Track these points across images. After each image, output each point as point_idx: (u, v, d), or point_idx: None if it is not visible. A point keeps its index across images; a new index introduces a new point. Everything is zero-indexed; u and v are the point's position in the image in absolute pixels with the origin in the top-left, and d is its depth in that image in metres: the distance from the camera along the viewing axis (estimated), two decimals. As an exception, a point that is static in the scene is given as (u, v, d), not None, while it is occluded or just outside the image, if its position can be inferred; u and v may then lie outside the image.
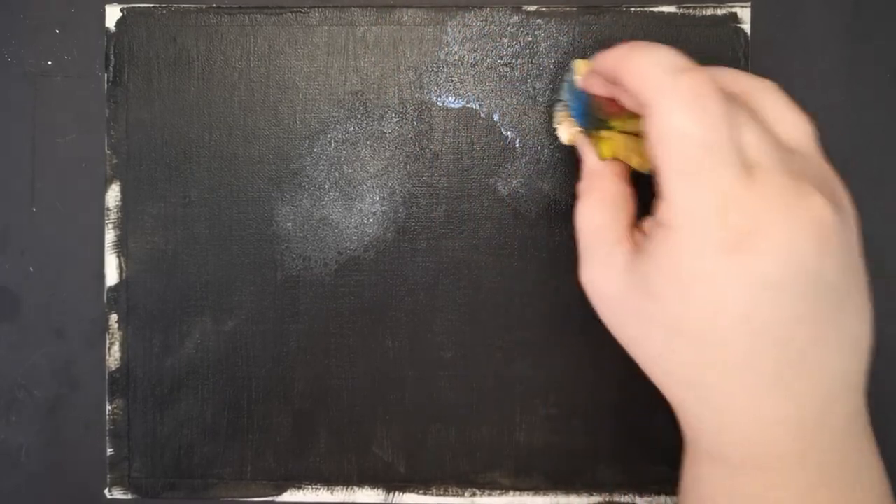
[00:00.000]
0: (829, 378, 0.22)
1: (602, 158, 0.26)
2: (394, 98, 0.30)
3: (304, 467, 0.31)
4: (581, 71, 0.27)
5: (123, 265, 0.31)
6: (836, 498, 0.22)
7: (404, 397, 0.31)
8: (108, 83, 0.30)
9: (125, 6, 0.30)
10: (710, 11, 0.30)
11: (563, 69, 0.30)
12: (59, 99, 0.31)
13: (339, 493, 0.31)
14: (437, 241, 0.30)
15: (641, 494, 0.30)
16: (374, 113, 0.30)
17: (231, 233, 0.30)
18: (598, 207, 0.25)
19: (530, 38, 0.30)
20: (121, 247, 0.31)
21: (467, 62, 0.30)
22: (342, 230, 0.30)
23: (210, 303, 0.30)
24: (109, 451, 0.31)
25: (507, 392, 0.30)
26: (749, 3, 0.30)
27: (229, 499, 0.31)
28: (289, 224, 0.30)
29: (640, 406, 0.30)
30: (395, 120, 0.30)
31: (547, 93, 0.30)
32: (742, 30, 0.30)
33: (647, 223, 0.25)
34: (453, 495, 0.31)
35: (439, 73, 0.30)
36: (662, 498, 0.30)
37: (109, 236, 0.31)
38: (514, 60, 0.30)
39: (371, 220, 0.30)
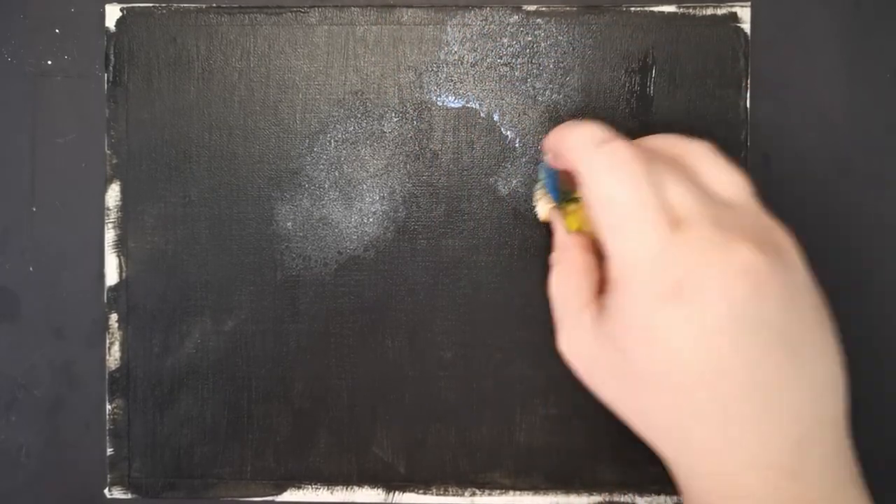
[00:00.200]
0: (798, 420, 0.23)
1: (569, 231, 0.27)
2: (394, 98, 0.30)
3: (304, 467, 0.31)
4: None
5: (123, 265, 0.31)
6: None
7: (404, 397, 0.31)
8: (108, 83, 0.30)
9: (125, 6, 0.30)
10: (710, 11, 0.30)
11: (563, 69, 0.30)
12: (59, 99, 0.31)
13: (339, 493, 0.31)
14: (436, 241, 0.30)
15: (641, 494, 0.30)
16: (374, 112, 0.30)
17: (231, 232, 0.30)
18: (565, 278, 0.27)
19: (530, 38, 0.30)
20: (121, 247, 0.31)
21: (467, 62, 0.30)
22: (342, 230, 0.30)
23: (210, 303, 0.30)
24: (109, 451, 0.31)
25: (506, 392, 0.30)
26: (749, 3, 0.30)
27: (229, 498, 0.31)
28: (289, 224, 0.30)
29: (640, 406, 0.30)
30: (395, 119, 0.30)
31: (547, 92, 0.30)
32: (742, 30, 0.30)
33: (608, 285, 0.26)
34: (453, 495, 0.31)
35: (439, 73, 0.30)
36: (662, 498, 0.30)
37: (109, 236, 0.31)
38: (513, 60, 0.30)
39: (371, 219, 0.30)
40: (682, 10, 0.30)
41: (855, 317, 0.30)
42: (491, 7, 0.30)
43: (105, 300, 0.31)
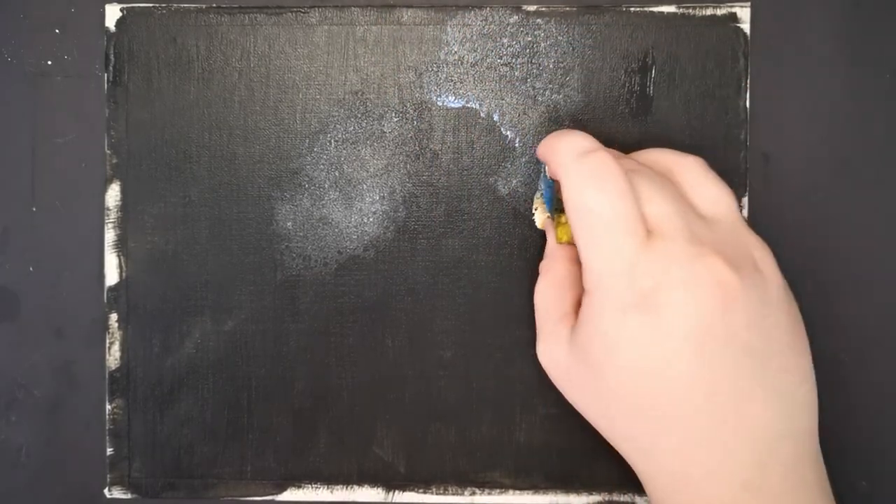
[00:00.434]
0: (761, 435, 0.23)
1: (559, 242, 0.28)
2: (394, 98, 0.30)
3: (304, 467, 0.31)
4: None
5: (123, 265, 0.31)
6: None
7: (404, 397, 0.31)
8: (108, 83, 0.30)
9: (125, 6, 0.30)
10: (709, 11, 0.30)
11: (563, 69, 0.30)
12: (59, 99, 0.31)
13: (339, 493, 0.31)
14: (436, 241, 0.30)
15: (641, 494, 0.30)
16: (374, 112, 0.30)
17: (231, 232, 0.30)
18: (549, 287, 0.27)
19: (530, 38, 0.30)
20: (121, 247, 0.31)
21: (467, 62, 0.30)
22: (342, 230, 0.30)
23: (210, 302, 0.31)
24: (109, 451, 0.31)
25: (506, 392, 0.30)
26: (749, 3, 0.30)
27: (229, 498, 0.31)
28: (289, 223, 0.30)
29: (640, 406, 0.30)
30: (395, 119, 0.30)
31: (547, 92, 0.30)
32: (742, 30, 0.30)
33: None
34: (453, 494, 0.31)
35: (439, 73, 0.30)
36: (662, 498, 0.30)
37: (109, 236, 0.31)
38: (513, 60, 0.30)
39: (371, 219, 0.30)
40: (681, 10, 0.30)
41: (854, 317, 0.30)
42: (491, 7, 0.30)
43: (105, 300, 0.31)
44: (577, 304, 0.27)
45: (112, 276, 0.31)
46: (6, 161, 0.31)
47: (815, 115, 0.30)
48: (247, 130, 0.30)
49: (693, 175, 0.25)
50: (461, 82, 0.30)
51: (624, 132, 0.30)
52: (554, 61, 0.30)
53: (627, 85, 0.30)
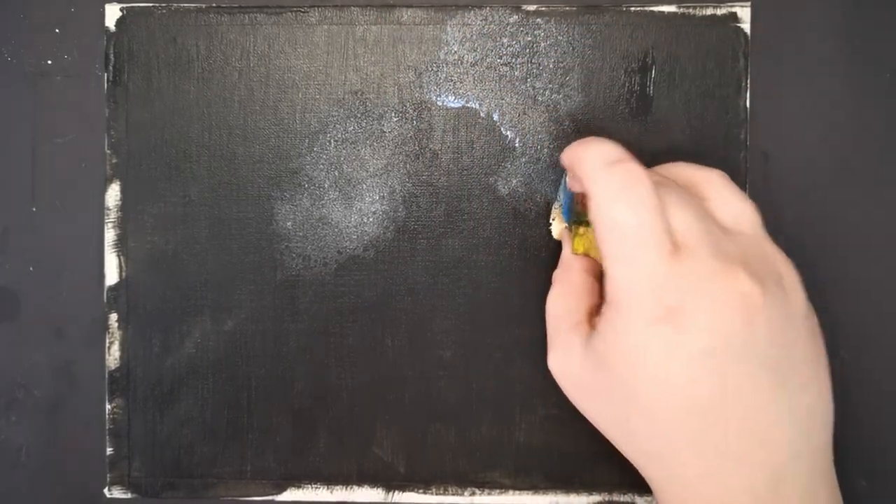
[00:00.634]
0: (779, 447, 0.23)
1: (575, 252, 0.28)
2: (393, 97, 0.30)
3: (304, 467, 0.31)
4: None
5: (123, 265, 0.31)
6: None
7: (404, 397, 0.31)
8: (107, 83, 0.30)
9: (125, 6, 0.30)
10: (710, 11, 0.30)
11: (562, 69, 0.30)
12: (59, 99, 0.31)
13: (339, 493, 0.31)
14: (436, 241, 0.30)
15: (641, 494, 0.30)
16: (373, 112, 0.30)
17: (231, 232, 0.30)
18: (562, 296, 0.27)
19: (530, 38, 0.30)
20: (121, 247, 0.31)
21: (467, 62, 0.30)
22: (342, 229, 0.30)
23: (210, 302, 0.31)
24: (109, 451, 0.31)
25: (506, 392, 0.30)
26: (749, 3, 0.30)
27: (229, 498, 0.31)
28: (288, 223, 0.30)
29: (640, 406, 0.30)
30: (395, 119, 0.30)
31: (547, 92, 0.30)
32: (742, 30, 0.30)
33: (602, 307, 0.26)
34: (453, 494, 0.31)
35: (439, 73, 0.30)
36: (662, 498, 0.30)
37: (109, 236, 0.31)
38: (513, 60, 0.30)
39: (371, 219, 0.30)
40: (682, 10, 0.30)
41: (854, 316, 0.30)
42: (491, 7, 0.30)
43: (105, 300, 0.31)
44: (591, 314, 0.27)
45: (112, 276, 0.31)
46: (6, 161, 0.31)
47: (814, 115, 0.30)
48: (246, 130, 0.30)
49: (716, 189, 0.26)
50: (461, 82, 0.30)
51: (624, 132, 0.30)
52: (554, 61, 0.30)
53: (627, 85, 0.30)
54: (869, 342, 0.30)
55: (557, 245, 0.30)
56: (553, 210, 0.30)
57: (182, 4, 0.30)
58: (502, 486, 0.30)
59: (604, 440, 0.29)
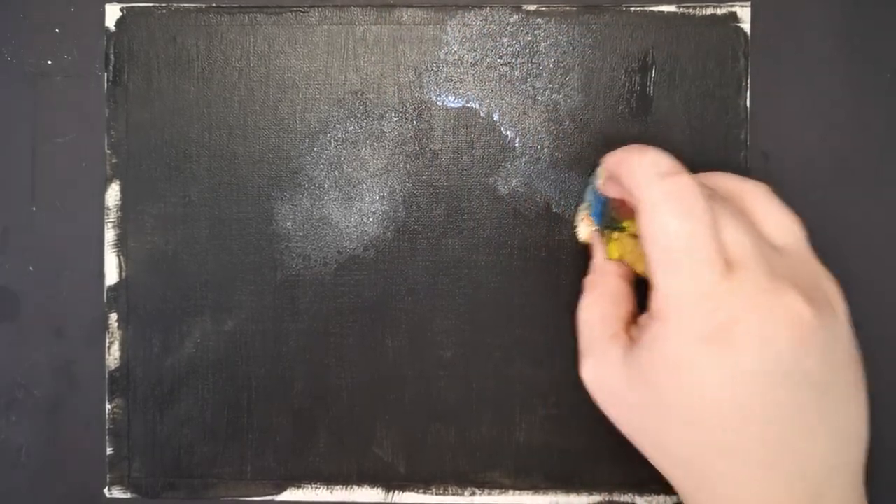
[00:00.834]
0: (818, 465, 0.23)
1: (610, 258, 0.27)
2: (393, 97, 0.30)
3: (304, 467, 0.31)
4: (603, 176, 0.28)
5: (123, 265, 0.31)
6: None
7: (404, 397, 0.31)
8: (107, 83, 0.30)
9: (125, 6, 0.30)
10: (710, 11, 0.30)
11: (562, 69, 0.30)
12: (59, 99, 0.31)
13: (339, 493, 0.31)
14: (436, 241, 0.30)
15: (641, 494, 0.30)
16: (373, 112, 0.30)
17: (231, 232, 0.30)
18: (598, 303, 0.27)
19: (530, 38, 0.30)
20: (121, 247, 0.31)
21: (467, 61, 0.30)
22: (342, 229, 0.30)
23: (210, 302, 0.30)
24: (109, 451, 0.31)
25: (506, 392, 0.30)
26: (749, 3, 0.30)
27: (229, 498, 0.31)
28: (288, 223, 0.30)
29: (640, 406, 0.30)
30: (395, 119, 0.30)
31: (547, 92, 0.30)
32: (742, 29, 0.30)
33: (642, 318, 0.26)
34: (453, 494, 0.31)
35: (439, 73, 0.30)
36: (662, 498, 0.30)
37: (109, 236, 0.31)
38: (513, 60, 0.30)
39: (371, 219, 0.30)
40: (682, 10, 0.30)
41: (853, 315, 0.30)
42: (491, 7, 0.30)
43: (105, 300, 0.31)
44: (628, 323, 0.26)
45: (112, 275, 0.31)
46: (6, 161, 0.31)
47: (814, 115, 0.30)
48: (247, 130, 0.30)
49: (760, 202, 0.25)
50: (461, 82, 0.30)
51: (624, 132, 0.30)
52: (554, 61, 0.30)
53: (627, 85, 0.30)
54: (869, 342, 0.30)
55: (557, 245, 0.30)
56: (579, 212, 0.30)
57: (182, 4, 0.30)
58: (502, 486, 0.30)
59: (604, 440, 0.29)
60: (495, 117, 0.30)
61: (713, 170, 0.28)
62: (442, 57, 0.30)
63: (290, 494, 0.31)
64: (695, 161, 0.27)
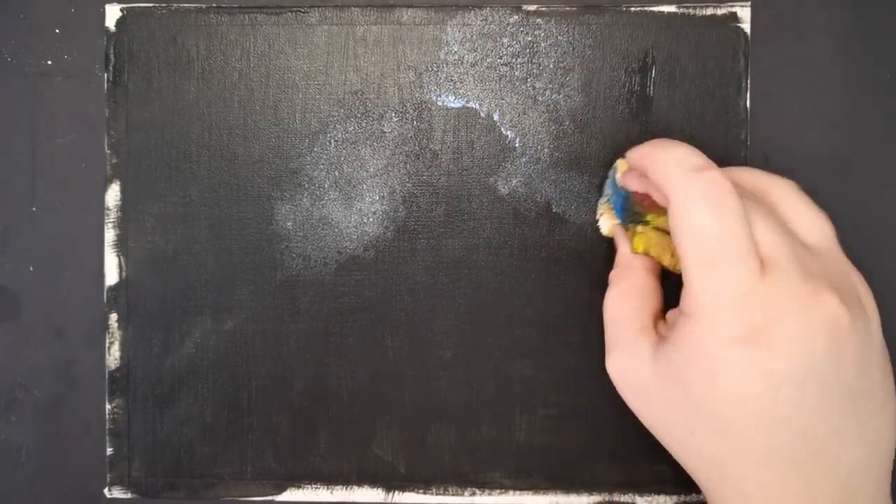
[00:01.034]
0: (849, 470, 0.23)
1: (634, 251, 0.27)
2: (394, 97, 0.30)
3: (304, 467, 0.31)
4: (622, 170, 0.28)
5: (123, 265, 0.31)
6: None
7: (404, 397, 0.31)
8: (108, 83, 0.30)
9: (125, 6, 0.30)
10: (710, 11, 0.30)
11: (563, 69, 0.30)
12: (59, 99, 0.31)
13: (339, 493, 0.31)
14: (436, 241, 0.30)
15: (641, 494, 0.30)
16: (373, 112, 0.30)
17: (231, 232, 0.30)
18: (625, 297, 0.26)
19: (530, 38, 0.30)
20: (121, 246, 0.31)
21: (467, 62, 0.30)
22: (342, 229, 0.30)
23: (210, 302, 0.30)
24: (109, 451, 0.31)
25: (506, 392, 0.30)
26: (749, 3, 0.30)
27: (229, 498, 0.31)
28: (288, 223, 0.30)
29: (640, 406, 0.30)
30: (395, 119, 0.30)
31: (547, 92, 0.30)
32: (742, 29, 0.30)
33: (671, 314, 0.26)
34: (453, 495, 0.31)
35: (439, 73, 0.30)
36: (662, 498, 0.30)
37: (109, 236, 0.31)
38: (513, 60, 0.30)
39: (371, 219, 0.30)
40: (682, 10, 0.30)
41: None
42: (491, 7, 0.30)
43: (105, 300, 0.31)
44: (655, 317, 0.26)
45: (112, 275, 0.31)
46: (6, 161, 0.31)
47: (814, 115, 0.30)
48: (247, 130, 0.30)
49: (788, 199, 0.25)
50: (461, 82, 0.30)
51: (624, 132, 0.30)
52: (554, 61, 0.30)
53: (627, 85, 0.30)
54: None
55: (557, 245, 0.30)
56: (600, 206, 0.29)
57: (182, 4, 0.30)
58: (502, 487, 0.30)
59: (604, 440, 0.29)
60: (495, 117, 0.30)
61: None
62: (442, 57, 0.30)
63: (290, 494, 0.31)
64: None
